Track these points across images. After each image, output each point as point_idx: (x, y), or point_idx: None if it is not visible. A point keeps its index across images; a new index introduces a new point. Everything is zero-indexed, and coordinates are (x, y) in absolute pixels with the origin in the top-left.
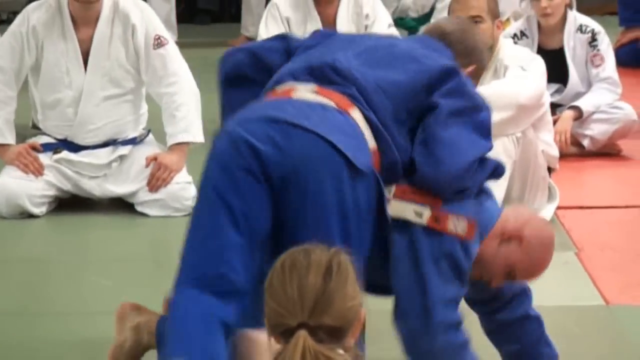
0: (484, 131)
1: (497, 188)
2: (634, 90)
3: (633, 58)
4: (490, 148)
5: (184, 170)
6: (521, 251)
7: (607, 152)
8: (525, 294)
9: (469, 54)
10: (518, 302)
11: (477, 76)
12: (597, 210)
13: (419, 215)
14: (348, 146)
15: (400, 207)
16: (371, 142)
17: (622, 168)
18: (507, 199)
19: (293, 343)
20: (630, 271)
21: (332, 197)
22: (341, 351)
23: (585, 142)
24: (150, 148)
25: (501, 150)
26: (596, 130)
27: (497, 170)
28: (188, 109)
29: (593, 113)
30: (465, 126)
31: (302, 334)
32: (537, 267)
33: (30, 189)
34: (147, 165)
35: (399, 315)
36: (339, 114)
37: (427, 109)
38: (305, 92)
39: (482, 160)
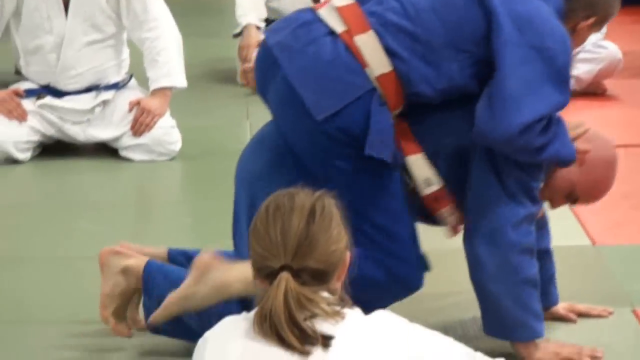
0: (560, 81)
1: None
2: (619, 29)
3: None
4: (565, 103)
5: (168, 115)
6: (584, 171)
7: (592, 91)
8: (547, 229)
9: (592, 3)
10: (542, 235)
11: (595, 30)
12: None
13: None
14: (309, 89)
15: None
16: (380, 69)
17: (608, 108)
18: None
19: (275, 285)
20: (617, 211)
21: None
22: (325, 294)
23: (571, 82)
24: (133, 93)
25: None
26: (581, 70)
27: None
28: (170, 53)
29: (577, 52)
30: (537, 73)
31: (285, 275)
32: (599, 188)
33: (14, 135)
34: (130, 110)
35: (467, 236)
36: (330, 44)
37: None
38: (329, 9)
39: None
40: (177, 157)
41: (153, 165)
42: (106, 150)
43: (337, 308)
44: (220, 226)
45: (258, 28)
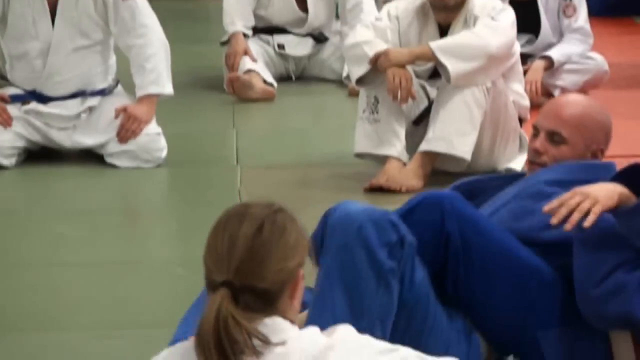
0: None
1: (468, 138)
2: (606, 40)
3: (604, 7)
4: None
5: (154, 122)
6: None
7: None
8: None
9: None
10: None
11: None
12: None
13: None
14: None
15: None
16: None
17: None
18: (478, 149)
19: (211, 301)
20: None
21: None
22: (268, 320)
23: (556, 93)
24: (119, 99)
25: (471, 100)
26: (567, 81)
27: None
28: (157, 60)
29: (564, 63)
30: None
31: (221, 292)
32: None
33: None
34: (116, 117)
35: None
36: None
37: None
38: None
39: None
40: (163, 164)
41: (139, 172)
42: (91, 156)
43: (258, 344)
44: (205, 234)
45: (245, 36)
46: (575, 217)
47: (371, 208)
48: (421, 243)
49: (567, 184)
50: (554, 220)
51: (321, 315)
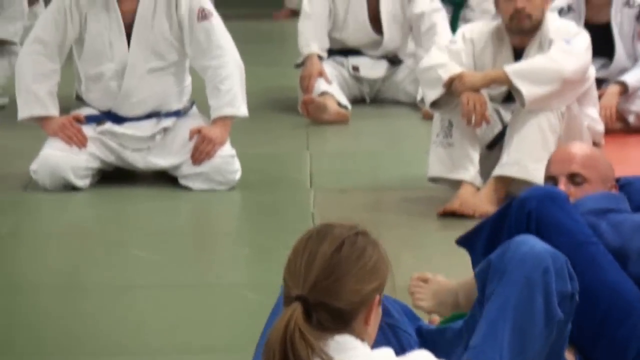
0: None
1: (542, 163)
2: None
3: None
4: None
5: (228, 144)
6: None
7: None
8: None
9: None
10: None
11: None
12: None
13: None
14: None
15: None
16: None
17: None
18: None
19: (283, 314)
20: None
21: None
22: (339, 337)
23: (631, 118)
24: (194, 121)
25: (546, 125)
26: None
27: None
28: (232, 82)
29: (639, 88)
30: None
31: (294, 306)
32: None
33: (73, 161)
34: (190, 138)
35: None
36: None
37: None
38: None
39: None
40: (236, 186)
41: (212, 195)
42: (165, 178)
43: None
44: (278, 258)
45: (320, 58)
46: None
47: (556, 252)
48: None
49: (601, 213)
50: None
51: (486, 343)
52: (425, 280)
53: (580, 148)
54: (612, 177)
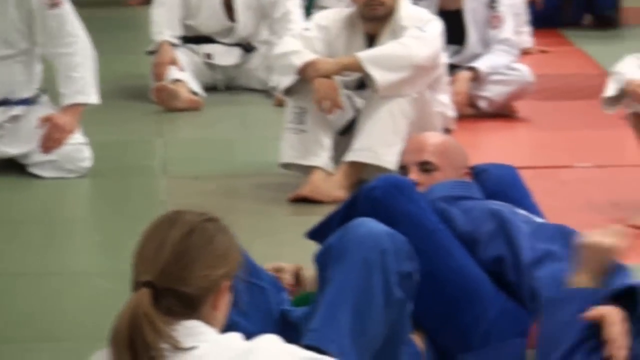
0: None
1: (393, 148)
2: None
3: (530, 19)
4: None
5: (78, 132)
6: None
7: (503, 113)
8: None
9: None
10: None
11: None
12: None
13: None
14: None
15: None
16: None
17: (518, 129)
18: None
19: (130, 299)
20: None
21: None
22: (187, 323)
23: (482, 104)
24: (44, 109)
25: (397, 111)
26: (493, 92)
27: None
28: (84, 69)
29: (490, 74)
30: None
31: (143, 292)
32: None
33: None
34: (40, 126)
35: None
36: None
37: None
38: None
39: None
40: (87, 174)
41: (63, 183)
42: (14, 166)
43: (168, 348)
44: (129, 245)
45: (173, 45)
46: None
47: (394, 232)
48: None
49: (452, 200)
50: None
51: (325, 326)
52: (279, 270)
53: (432, 137)
54: (465, 164)
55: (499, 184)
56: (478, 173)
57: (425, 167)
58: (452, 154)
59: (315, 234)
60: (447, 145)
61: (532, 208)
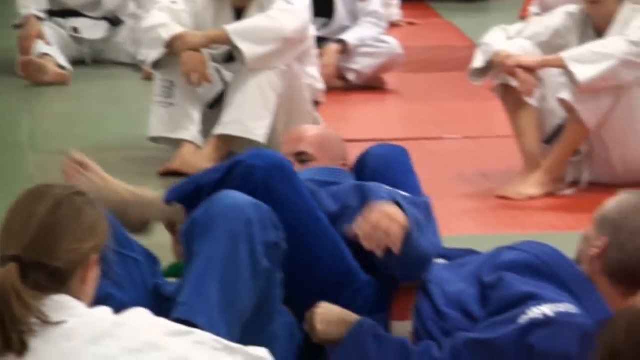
0: None
1: (263, 121)
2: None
3: None
4: None
5: None
6: None
7: (373, 85)
8: None
9: None
10: None
11: None
12: (361, 144)
13: None
14: None
15: None
16: None
17: (387, 102)
18: (273, 131)
19: None
20: None
21: None
22: (57, 297)
23: (351, 76)
24: None
25: (266, 84)
26: (362, 64)
27: None
28: None
29: (358, 47)
30: None
31: (10, 266)
32: None
33: None
34: None
35: None
36: None
37: None
38: None
39: None
40: None
41: None
42: None
43: (37, 322)
44: None
45: (39, 19)
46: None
47: (258, 202)
48: None
49: (321, 185)
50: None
51: (193, 300)
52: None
53: (310, 129)
54: (343, 157)
55: (379, 164)
56: (362, 156)
57: (302, 157)
58: (330, 146)
59: (181, 198)
60: (324, 137)
61: (409, 186)
